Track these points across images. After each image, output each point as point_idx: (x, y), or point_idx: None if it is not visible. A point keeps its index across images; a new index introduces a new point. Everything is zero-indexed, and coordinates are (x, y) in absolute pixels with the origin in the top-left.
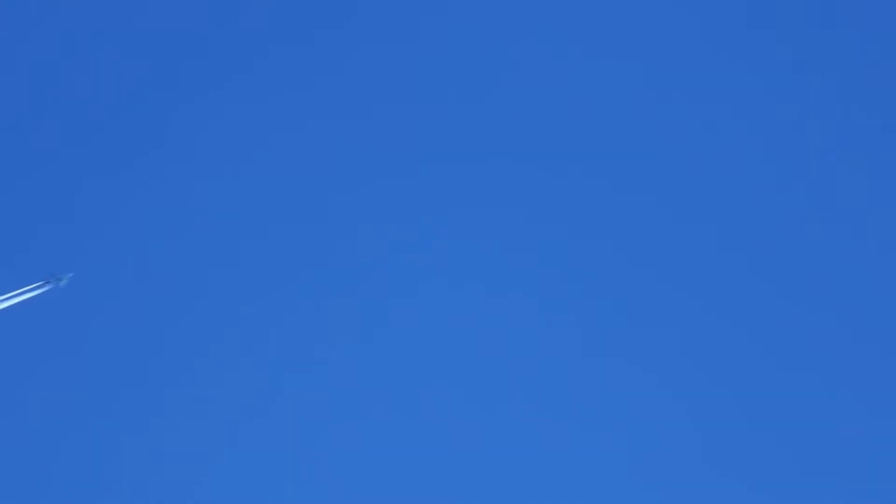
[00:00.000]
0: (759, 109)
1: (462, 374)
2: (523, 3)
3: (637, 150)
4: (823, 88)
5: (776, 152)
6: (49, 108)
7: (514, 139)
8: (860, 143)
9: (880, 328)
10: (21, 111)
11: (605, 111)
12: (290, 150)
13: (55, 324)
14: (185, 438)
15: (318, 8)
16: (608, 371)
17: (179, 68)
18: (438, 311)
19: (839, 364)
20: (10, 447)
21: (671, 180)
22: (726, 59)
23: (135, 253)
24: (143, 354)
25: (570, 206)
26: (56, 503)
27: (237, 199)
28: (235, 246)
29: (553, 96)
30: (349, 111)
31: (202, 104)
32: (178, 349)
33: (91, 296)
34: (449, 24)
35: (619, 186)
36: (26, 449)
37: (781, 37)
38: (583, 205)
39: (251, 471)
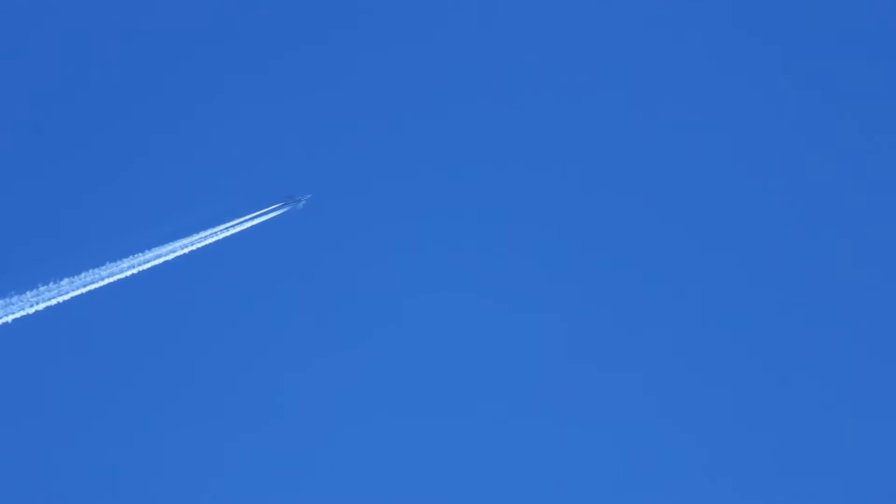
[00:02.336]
0: (747, 115)
1: (460, 379)
2: (521, 13)
3: (629, 157)
4: (813, 93)
5: (763, 157)
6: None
7: (508, 143)
8: (854, 147)
9: (869, 330)
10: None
11: (600, 117)
12: (294, 151)
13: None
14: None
15: (326, 11)
16: (602, 375)
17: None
18: (437, 316)
19: (828, 365)
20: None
21: (666, 187)
22: (716, 66)
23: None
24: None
25: (567, 211)
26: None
27: (236, 203)
28: (237, 250)
29: (553, 104)
30: (354, 114)
31: (209, 103)
32: (181, 349)
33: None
34: (452, 30)
35: (614, 191)
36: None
37: (772, 43)
38: (580, 211)
39: (253, 473)
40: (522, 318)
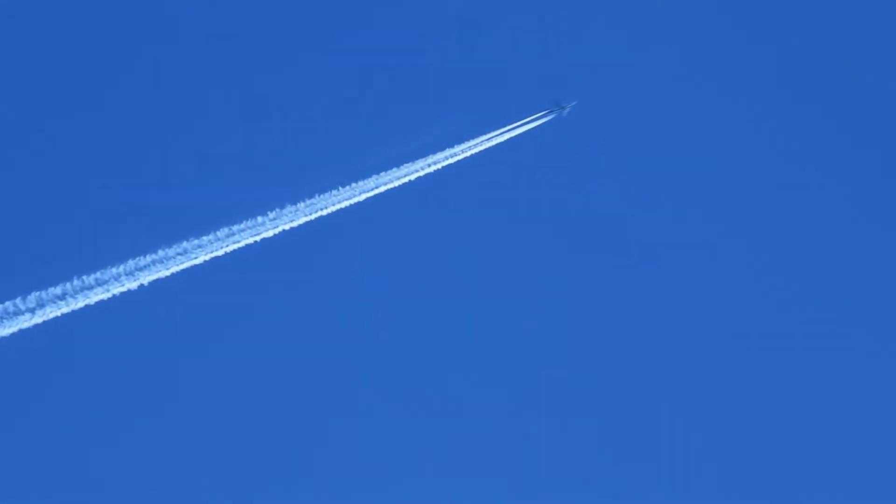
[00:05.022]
0: (743, 114)
1: (457, 373)
2: (519, 12)
3: (625, 153)
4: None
5: (758, 155)
6: None
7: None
8: (848, 147)
9: (862, 331)
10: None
11: (598, 113)
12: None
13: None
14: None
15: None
16: (599, 371)
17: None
18: (432, 308)
19: (820, 365)
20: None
21: (660, 181)
22: (713, 65)
23: None
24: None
25: (563, 206)
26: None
27: (235, 203)
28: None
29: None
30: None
31: (211, 115)
32: (183, 349)
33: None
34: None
35: (611, 187)
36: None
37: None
38: (575, 206)
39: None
40: (518, 316)
